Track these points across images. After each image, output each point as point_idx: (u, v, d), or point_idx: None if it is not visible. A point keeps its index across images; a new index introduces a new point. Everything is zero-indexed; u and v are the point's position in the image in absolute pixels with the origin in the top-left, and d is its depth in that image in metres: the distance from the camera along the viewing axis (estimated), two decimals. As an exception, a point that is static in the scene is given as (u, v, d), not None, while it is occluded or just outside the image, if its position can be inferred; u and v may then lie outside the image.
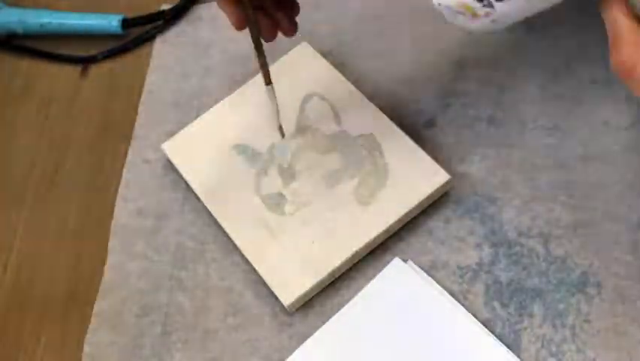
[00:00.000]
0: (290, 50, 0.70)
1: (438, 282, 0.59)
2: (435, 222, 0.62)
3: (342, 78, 0.68)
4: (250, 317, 0.60)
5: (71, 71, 0.77)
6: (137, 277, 0.63)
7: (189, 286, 0.62)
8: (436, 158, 0.62)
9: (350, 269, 0.60)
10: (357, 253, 0.60)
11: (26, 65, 0.78)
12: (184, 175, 0.66)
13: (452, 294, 0.58)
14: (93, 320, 0.62)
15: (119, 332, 0.61)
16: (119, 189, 0.68)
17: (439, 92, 0.68)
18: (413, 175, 0.62)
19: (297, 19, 0.61)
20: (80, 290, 0.64)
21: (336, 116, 0.66)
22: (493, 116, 0.66)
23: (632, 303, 0.56)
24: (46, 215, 0.68)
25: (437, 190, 0.61)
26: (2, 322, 0.64)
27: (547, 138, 0.64)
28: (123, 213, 0.67)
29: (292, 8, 0.61)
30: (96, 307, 0.62)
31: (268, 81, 0.61)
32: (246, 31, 0.59)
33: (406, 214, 0.61)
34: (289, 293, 0.59)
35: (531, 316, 0.57)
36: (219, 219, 0.63)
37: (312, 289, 0.59)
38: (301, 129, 0.66)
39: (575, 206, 0.60)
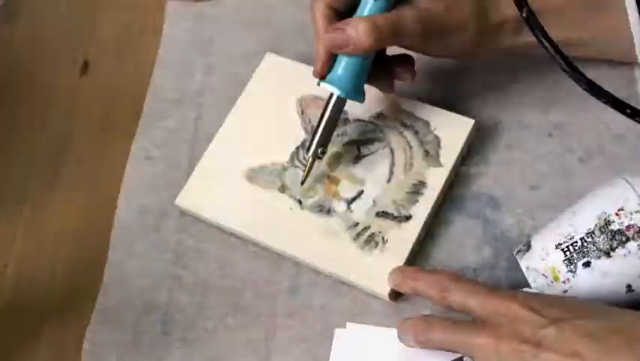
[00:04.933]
0: (256, 65, 0.70)
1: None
2: (435, 224, 0.62)
3: None
4: (250, 317, 0.60)
5: (72, 68, 0.77)
6: (138, 276, 0.63)
7: (189, 285, 0.62)
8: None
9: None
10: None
11: (26, 66, 0.78)
12: (214, 221, 0.63)
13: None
14: (93, 318, 0.61)
15: (118, 330, 0.61)
16: (121, 187, 0.68)
17: (440, 94, 0.68)
18: (443, 129, 0.63)
19: None
20: (80, 289, 0.63)
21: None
22: (494, 118, 0.66)
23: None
24: (46, 215, 0.68)
25: (469, 137, 0.63)
26: (2, 322, 0.63)
27: (548, 138, 0.64)
28: (124, 211, 0.67)
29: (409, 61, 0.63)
30: (96, 306, 0.62)
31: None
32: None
33: (454, 168, 0.62)
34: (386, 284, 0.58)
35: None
36: (283, 249, 0.61)
37: None
38: (310, 132, 0.65)
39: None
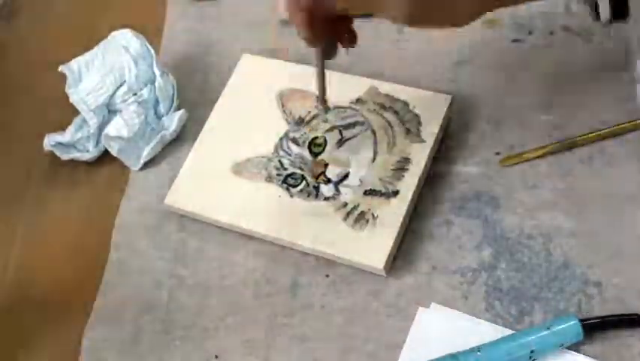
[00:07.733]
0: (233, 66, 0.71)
1: (438, 284, 0.59)
2: (436, 225, 0.62)
3: (297, 65, 0.69)
4: (249, 317, 0.60)
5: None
6: (138, 275, 0.63)
7: (190, 285, 0.62)
8: (436, 158, 0.63)
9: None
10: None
11: (26, 66, 0.78)
12: (203, 215, 0.64)
13: (453, 296, 0.58)
14: (93, 315, 0.62)
15: (118, 327, 0.61)
16: (125, 187, 0.68)
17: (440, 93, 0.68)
18: (421, 107, 0.64)
19: None
20: (81, 289, 0.64)
21: (317, 98, 0.66)
22: (494, 117, 0.66)
23: (632, 303, 0.56)
24: (46, 215, 0.68)
25: (447, 112, 0.64)
26: (2, 321, 0.64)
27: (548, 138, 0.64)
28: (127, 210, 0.67)
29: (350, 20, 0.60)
30: (96, 303, 0.62)
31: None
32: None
33: (435, 142, 0.63)
34: (380, 257, 0.59)
35: (532, 316, 0.57)
36: (275, 236, 0.62)
37: (394, 245, 0.60)
38: (295, 123, 0.67)
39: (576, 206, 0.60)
